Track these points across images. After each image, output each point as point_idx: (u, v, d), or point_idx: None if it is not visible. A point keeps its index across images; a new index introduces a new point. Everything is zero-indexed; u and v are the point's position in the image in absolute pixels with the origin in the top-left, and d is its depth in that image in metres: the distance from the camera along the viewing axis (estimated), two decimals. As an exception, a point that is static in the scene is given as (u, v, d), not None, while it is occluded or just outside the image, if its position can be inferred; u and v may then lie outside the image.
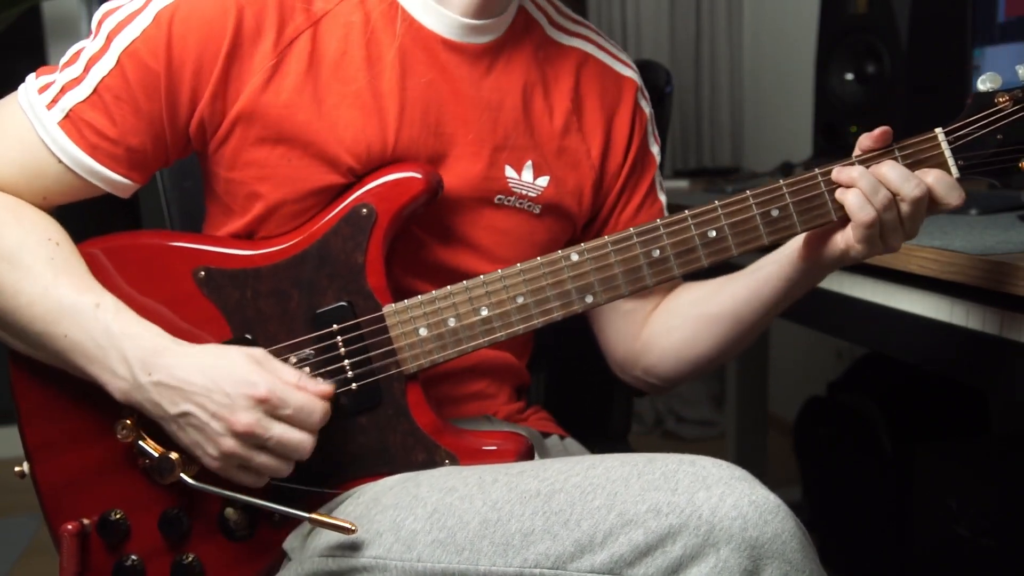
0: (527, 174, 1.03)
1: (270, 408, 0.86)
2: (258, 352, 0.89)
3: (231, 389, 0.85)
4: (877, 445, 1.91)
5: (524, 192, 1.03)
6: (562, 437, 1.15)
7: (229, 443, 0.86)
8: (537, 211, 1.04)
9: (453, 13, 0.98)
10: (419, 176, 0.95)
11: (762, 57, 3.15)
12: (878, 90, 1.82)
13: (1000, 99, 0.91)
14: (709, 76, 3.18)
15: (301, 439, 0.87)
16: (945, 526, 1.65)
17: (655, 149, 1.13)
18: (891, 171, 0.90)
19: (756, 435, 2.36)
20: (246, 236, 0.99)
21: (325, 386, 0.90)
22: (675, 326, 1.09)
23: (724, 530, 0.75)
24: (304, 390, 0.88)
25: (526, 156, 1.03)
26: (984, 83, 0.93)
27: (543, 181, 1.04)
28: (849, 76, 1.90)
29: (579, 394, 1.44)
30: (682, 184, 2.30)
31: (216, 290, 0.95)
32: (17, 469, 0.98)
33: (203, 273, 0.95)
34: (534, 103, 1.04)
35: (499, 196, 1.02)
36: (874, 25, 1.81)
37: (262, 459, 0.88)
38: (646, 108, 1.12)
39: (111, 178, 0.95)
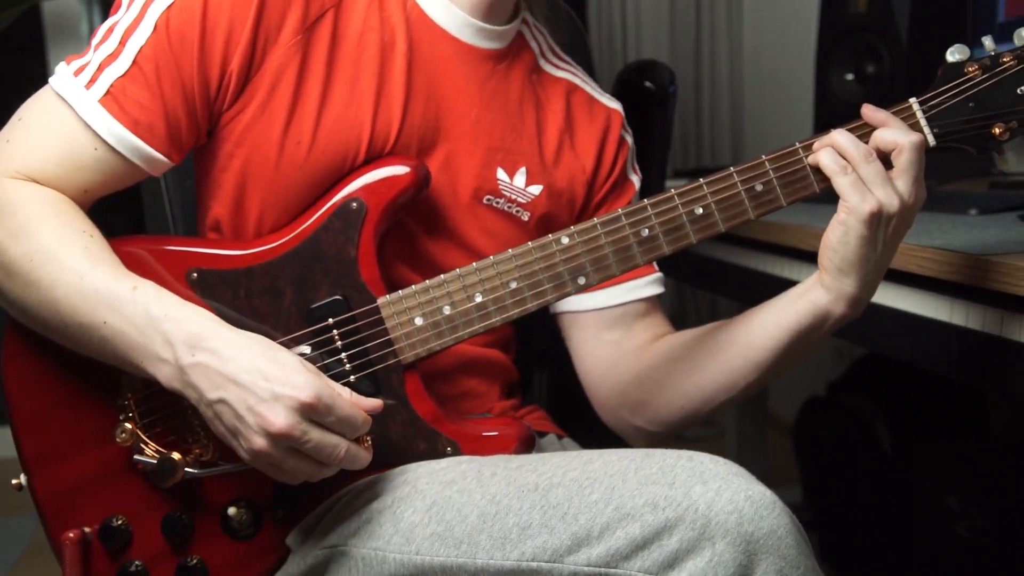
0: (519, 179, 1.04)
1: (315, 415, 0.82)
2: (309, 364, 0.86)
3: (279, 389, 0.81)
4: (877, 445, 1.91)
5: (514, 197, 1.04)
6: (559, 437, 1.15)
7: (260, 442, 0.82)
8: (526, 218, 1.05)
9: (462, 11, 1.00)
10: (408, 170, 0.96)
11: (762, 57, 3.15)
12: (878, 90, 1.82)
13: (970, 68, 0.94)
14: (709, 76, 3.18)
15: (337, 444, 0.83)
16: (945, 526, 1.64)
17: (634, 178, 1.16)
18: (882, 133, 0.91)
19: (756, 435, 2.36)
20: (234, 219, 0.99)
21: (376, 402, 0.87)
22: (695, 365, 1.05)
23: (720, 524, 0.76)
24: (355, 405, 0.85)
25: (520, 162, 1.04)
26: (953, 54, 0.96)
27: (536, 189, 1.05)
28: (849, 76, 1.89)
29: (582, 392, 1.44)
30: (682, 184, 2.30)
31: (209, 291, 0.94)
32: (15, 482, 0.96)
33: (196, 275, 0.94)
34: (528, 117, 1.06)
35: (488, 197, 1.03)
36: (874, 25, 1.81)
37: (292, 463, 0.84)
38: (628, 139, 1.16)
39: (151, 156, 0.93)
